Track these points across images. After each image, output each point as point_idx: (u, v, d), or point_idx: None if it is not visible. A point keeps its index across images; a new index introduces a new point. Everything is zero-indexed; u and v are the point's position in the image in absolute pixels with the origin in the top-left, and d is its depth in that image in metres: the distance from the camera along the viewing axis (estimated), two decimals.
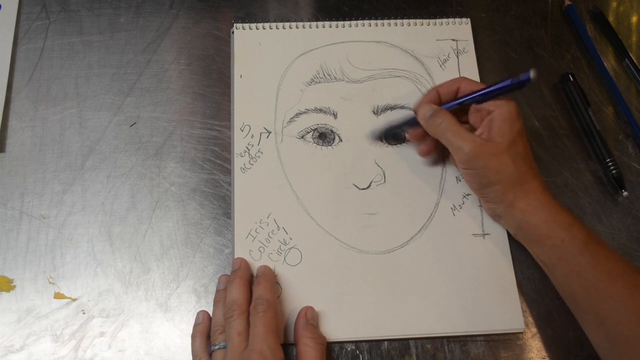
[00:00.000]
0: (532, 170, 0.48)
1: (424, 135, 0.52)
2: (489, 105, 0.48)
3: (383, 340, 0.48)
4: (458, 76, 0.57)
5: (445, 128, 0.48)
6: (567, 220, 0.46)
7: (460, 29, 0.60)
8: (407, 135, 0.54)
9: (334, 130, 0.55)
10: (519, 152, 0.47)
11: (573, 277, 0.44)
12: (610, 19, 0.64)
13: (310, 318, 0.47)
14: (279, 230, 0.51)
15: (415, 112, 0.52)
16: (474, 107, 0.50)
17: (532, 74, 0.46)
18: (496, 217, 0.51)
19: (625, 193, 0.54)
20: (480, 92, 0.49)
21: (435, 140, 0.51)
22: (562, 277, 0.46)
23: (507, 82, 0.47)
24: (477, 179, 0.48)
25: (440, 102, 0.51)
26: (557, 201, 0.47)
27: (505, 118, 0.47)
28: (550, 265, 0.47)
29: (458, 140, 0.47)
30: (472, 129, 0.50)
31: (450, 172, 0.54)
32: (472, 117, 0.50)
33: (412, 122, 0.52)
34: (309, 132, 0.55)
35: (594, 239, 0.45)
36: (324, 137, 0.55)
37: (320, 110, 0.56)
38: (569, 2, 0.64)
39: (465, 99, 0.50)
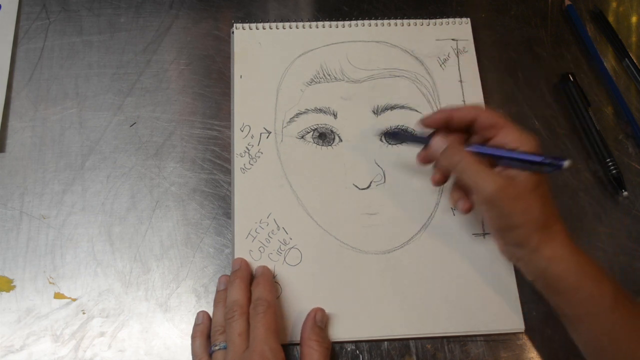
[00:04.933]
0: (556, 212, 0.44)
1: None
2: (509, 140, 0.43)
3: (383, 340, 0.48)
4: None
5: (464, 168, 0.44)
6: (596, 272, 0.42)
7: (460, 29, 0.60)
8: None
9: (334, 130, 0.55)
10: (544, 193, 0.43)
11: (602, 335, 0.41)
12: (610, 19, 0.64)
13: (319, 320, 0.47)
14: (279, 230, 0.51)
15: (421, 124, 0.48)
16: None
17: (566, 163, 0.41)
18: (514, 259, 0.46)
19: (625, 193, 0.54)
20: (505, 155, 0.43)
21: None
22: (588, 333, 0.43)
23: (539, 158, 0.42)
24: (499, 220, 0.43)
25: (451, 127, 0.47)
26: (581, 249, 0.43)
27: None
28: (574, 320, 0.43)
29: (479, 180, 0.42)
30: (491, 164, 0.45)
31: None
32: None
33: (422, 141, 0.48)
34: (309, 132, 0.55)
35: (621, 293, 0.42)
36: (324, 137, 0.55)
37: (320, 110, 0.56)
38: (569, 2, 0.64)
39: (485, 151, 0.44)
